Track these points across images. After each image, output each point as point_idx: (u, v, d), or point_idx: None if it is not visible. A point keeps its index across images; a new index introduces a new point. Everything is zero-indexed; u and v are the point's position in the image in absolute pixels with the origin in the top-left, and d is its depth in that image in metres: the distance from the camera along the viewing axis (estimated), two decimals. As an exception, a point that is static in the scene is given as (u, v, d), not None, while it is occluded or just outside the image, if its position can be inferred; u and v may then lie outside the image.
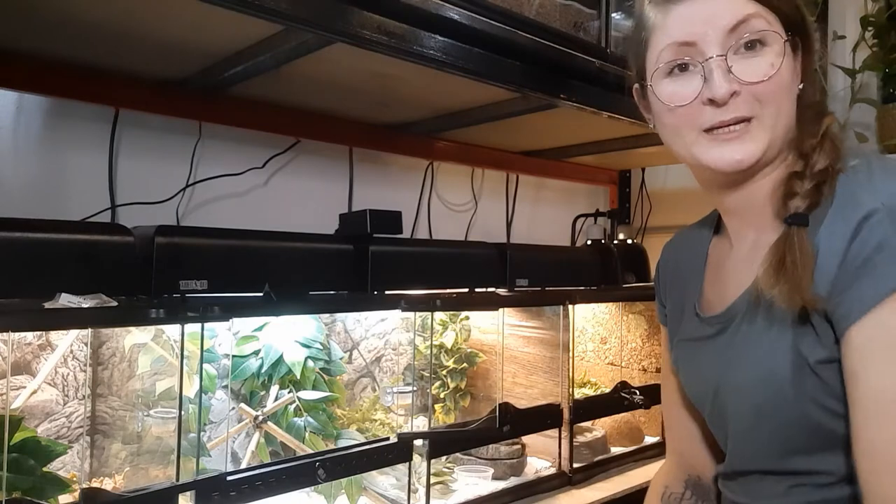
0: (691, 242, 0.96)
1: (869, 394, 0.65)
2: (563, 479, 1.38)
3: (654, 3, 0.77)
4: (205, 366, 1.06)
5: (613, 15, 1.36)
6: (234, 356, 1.16)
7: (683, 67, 0.75)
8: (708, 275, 0.90)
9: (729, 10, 0.72)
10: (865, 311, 0.64)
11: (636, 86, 0.84)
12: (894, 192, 0.65)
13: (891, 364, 0.63)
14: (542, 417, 1.37)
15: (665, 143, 0.81)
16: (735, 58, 0.72)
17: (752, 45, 0.72)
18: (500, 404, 1.27)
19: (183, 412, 0.90)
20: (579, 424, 1.47)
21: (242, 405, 1.17)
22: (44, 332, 1.05)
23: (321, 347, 1.24)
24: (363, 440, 1.20)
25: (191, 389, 0.97)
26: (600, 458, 1.49)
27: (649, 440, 1.66)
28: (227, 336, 1.15)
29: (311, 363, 1.21)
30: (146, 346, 1.06)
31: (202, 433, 1.07)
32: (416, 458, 1.15)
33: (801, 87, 0.76)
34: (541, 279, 1.45)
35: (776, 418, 0.73)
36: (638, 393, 1.52)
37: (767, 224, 0.77)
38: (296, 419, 1.18)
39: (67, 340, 1.07)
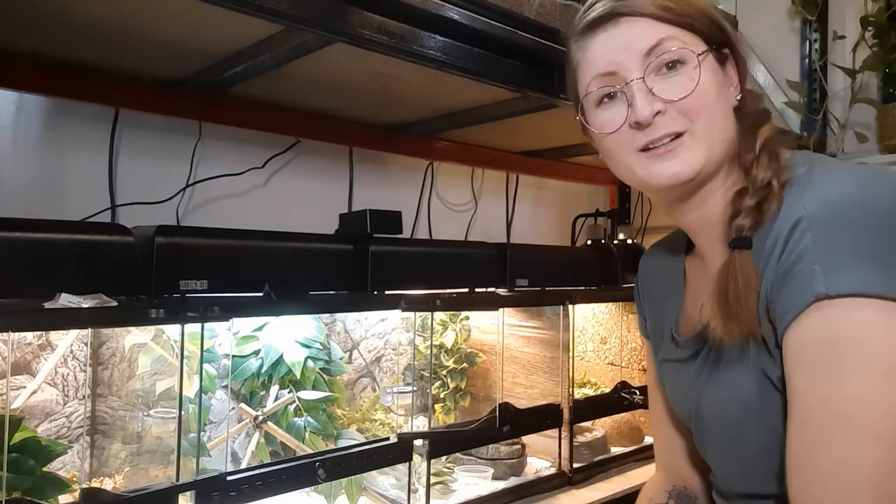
0: (666, 260, 0.96)
1: (797, 400, 0.65)
2: (563, 479, 1.38)
3: (575, 40, 0.80)
4: (205, 366, 1.06)
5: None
6: (234, 356, 1.16)
7: (611, 96, 0.77)
8: (688, 294, 0.90)
9: (642, 35, 0.73)
10: (790, 319, 0.64)
11: (578, 118, 0.84)
12: (819, 199, 0.65)
13: (813, 373, 0.63)
14: (542, 417, 1.37)
15: (611, 169, 0.82)
16: (656, 79, 0.73)
17: (672, 66, 0.73)
18: (500, 404, 1.27)
19: (183, 412, 0.90)
20: (579, 424, 1.46)
21: (242, 405, 1.17)
22: (44, 332, 1.05)
23: (321, 347, 1.24)
24: (363, 440, 1.20)
25: (191, 389, 0.97)
26: (600, 458, 1.49)
27: (649, 440, 1.66)
28: (227, 336, 1.15)
29: (311, 363, 1.21)
30: (146, 346, 1.06)
31: (202, 433, 1.07)
32: (416, 458, 1.15)
33: (738, 98, 0.77)
34: (541, 279, 1.45)
35: (753, 440, 0.74)
36: (638, 393, 1.52)
37: (727, 234, 0.77)
38: (296, 419, 1.18)
39: (67, 340, 1.07)
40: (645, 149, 0.75)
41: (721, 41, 0.76)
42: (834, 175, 0.69)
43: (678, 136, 0.73)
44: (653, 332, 0.98)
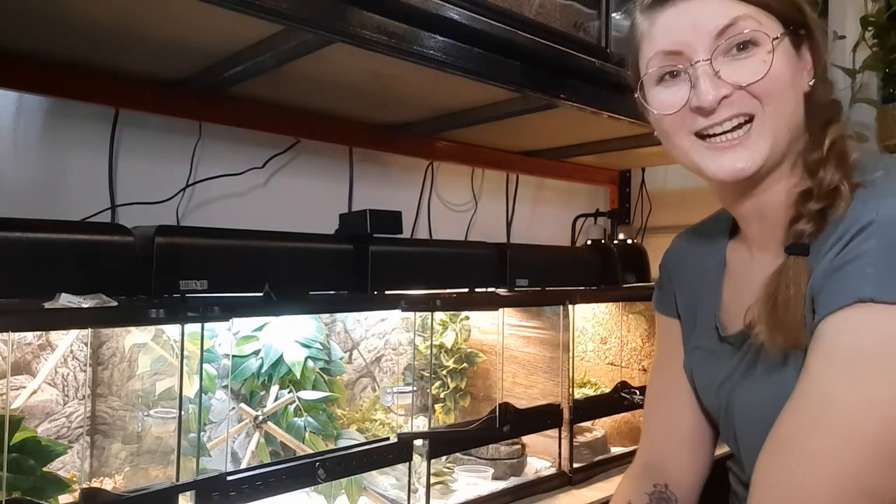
0: (702, 246, 0.93)
1: (805, 382, 0.65)
2: (563, 479, 1.38)
3: (642, 11, 0.76)
4: (205, 366, 1.06)
5: (613, 15, 1.35)
6: (234, 356, 1.16)
7: (674, 74, 0.73)
8: (727, 284, 0.87)
9: (714, 14, 0.70)
10: (830, 311, 0.64)
11: (637, 96, 0.82)
12: (893, 205, 0.64)
13: (833, 364, 0.63)
14: (542, 417, 1.37)
15: (666, 149, 0.80)
16: (724, 60, 0.69)
17: (743, 47, 0.69)
18: (500, 404, 1.27)
19: (183, 412, 0.90)
20: (579, 424, 1.46)
21: (242, 405, 1.17)
22: (44, 332, 1.05)
23: (321, 347, 1.24)
24: (363, 440, 1.20)
25: (191, 389, 0.97)
26: (600, 458, 1.49)
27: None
28: (227, 336, 1.15)
29: (311, 363, 1.21)
30: (146, 346, 1.06)
31: (202, 433, 1.07)
32: (416, 458, 1.15)
33: (811, 84, 0.73)
34: (541, 279, 1.45)
35: None
36: (638, 393, 1.52)
37: (786, 235, 0.74)
38: (296, 419, 1.18)
39: (67, 340, 1.07)
40: (703, 134, 0.72)
41: (799, 23, 0.72)
42: None
43: (745, 122, 0.70)
44: (684, 314, 0.94)
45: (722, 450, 0.92)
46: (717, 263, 0.90)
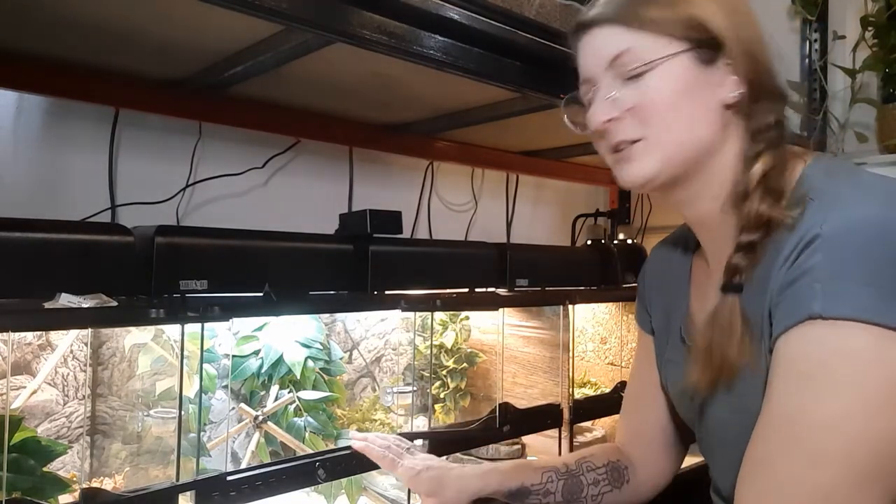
0: (675, 256, 0.96)
1: (770, 405, 0.66)
2: (563, 479, 1.37)
3: (570, 41, 0.83)
4: (205, 366, 1.06)
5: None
6: (234, 356, 1.16)
7: (590, 101, 0.79)
8: (693, 296, 0.90)
9: (607, 44, 0.76)
10: (783, 329, 0.65)
11: None
12: (839, 220, 0.64)
13: (793, 385, 0.64)
14: (542, 417, 1.37)
15: None
16: (620, 84, 0.75)
17: (634, 72, 0.74)
18: (500, 404, 1.27)
19: (183, 412, 0.90)
20: (579, 424, 1.46)
21: (242, 405, 1.17)
22: (44, 332, 1.05)
23: (321, 347, 1.24)
24: (363, 440, 1.20)
25: (191, 389, 0.97)
26: (600, 458, 1.49)
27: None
28: (227, 336, 1.15)
29: (311, 363, 1.21)
30: (146, 346, 1.06)
31: (202, 433, 1.07)
32: (416, 458, 1.15)
33: (735, 94, 0.74)
34: (541, 279, 1.45)
35: None
36: (638, 393, 1.52)
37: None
38: (296, 419, 1.18)
39: (67, 340, 1.07)
40: (612, 150, 0.78)
41: (702, 39, 0.73)
42: (861, 195, 0.66)
43: (634, 142, 0.75)
44: (658, 330, 0.97)
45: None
46: (684, 275, 0.92)
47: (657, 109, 0.73)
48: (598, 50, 0.76)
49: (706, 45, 0.73)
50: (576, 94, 0.82)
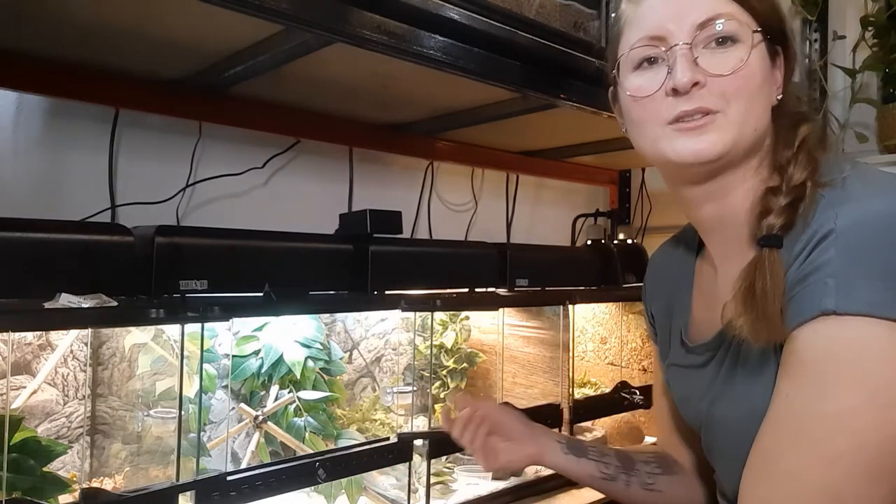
0: (676, 260, 0.95)
1: (778, 401, 0.66)
2: (563, 479, 1.37)
3: (629, 1, 0.77)
4: (205, 366, 1.06)
5: (613, 15, 1.35)
6: (234, 356, 1.16)
7: (652, 61, 0.73)
8: (696, 300, 0.89)
9: (699, 6, 0.70)
10: (794, 326, 0.64)
11: (611, 89, 0.83)
12: (853, 215, 0.63)
13: (803, 381, 0.63)
14: (542, 417, 1.37)
15: (633, 143, 0.79)
16: (703, 51, 0.70)
17: (722, 41, 0.70)
18: (500, 404, 1.27)
19: (183, 412, 0.90)
20: (579, 424, 1.46)
21: (242, 405, 1.17)
22: (44, 332, 1.05)
23: (321, 347, 1.24)
24: (363, 440, 1.20)
25: (191, 389, 0.97)
26: (600, 458, 1.49)
27: (649, 440, 1.66)
28: (227, 336, 1.15)
29: (311, 363, 1.21)
30: (146, 346, 1.06)
31: (202, 433, 1.07)
32: (416, 458, 1.15)
33: (779, 97, 0.74)
34: (541, 279, 1.45)
35: None
36: (638, 393, 1.52)
37: (749, 246, 0.74)
38: (296, 419, 1.18)
39: (67, 340, 1.07)
40: (674, 121, 0.71)
41: (778, 34, 0.73)
42: (875, 190, 0.66)
43: (710, 113, 0.70)
44: (661, 335, 0.96)
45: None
46: (686, 280, 0.91)
47: (748, 85, 0.70)
48: (686, 9, 0.71)
49: (777, 43, 0.73)
50: (633, 51, 0.74)
